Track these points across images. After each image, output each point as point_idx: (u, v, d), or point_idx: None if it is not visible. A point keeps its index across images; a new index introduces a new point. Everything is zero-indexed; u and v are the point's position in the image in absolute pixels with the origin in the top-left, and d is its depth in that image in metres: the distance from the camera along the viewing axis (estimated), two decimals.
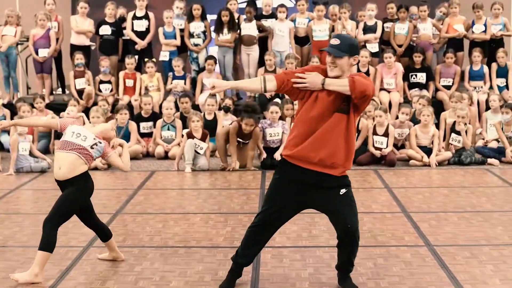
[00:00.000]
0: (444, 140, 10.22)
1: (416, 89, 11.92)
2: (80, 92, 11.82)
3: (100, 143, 5.31)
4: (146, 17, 12.32)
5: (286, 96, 10.60)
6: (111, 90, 12.10)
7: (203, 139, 9.67)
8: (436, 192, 8.09)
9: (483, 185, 8.57)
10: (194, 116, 9.76)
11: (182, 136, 10.45)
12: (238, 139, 9.60)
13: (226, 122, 10.64)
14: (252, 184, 8.67)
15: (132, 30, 12.28)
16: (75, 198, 5.23)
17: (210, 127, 10.21)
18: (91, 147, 5.26)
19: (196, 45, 12.15)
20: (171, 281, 5.17)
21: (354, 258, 4.94)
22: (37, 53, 12.09)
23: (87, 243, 6.12)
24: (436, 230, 6.47)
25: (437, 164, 9.68)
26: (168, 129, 10.61)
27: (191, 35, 12.16)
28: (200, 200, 7.80)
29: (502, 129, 10.13)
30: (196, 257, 5.71)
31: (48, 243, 5.09)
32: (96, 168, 9.52)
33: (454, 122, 10.02)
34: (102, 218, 6.85)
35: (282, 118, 10.08)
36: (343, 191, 4.73)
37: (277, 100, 10.52)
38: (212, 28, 12.35)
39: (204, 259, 5.67)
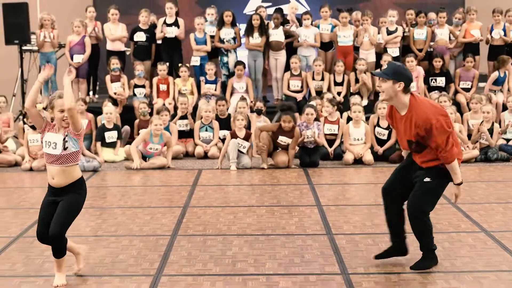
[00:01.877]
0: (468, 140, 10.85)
1: (436, 91, 12.53)
2: None
3: (67, 135, 5.13)
4: (176, 23, 12.82)
5: (326, 96, 11.22)
6: (145, 94, 12.60)
7: (246, 138, 10.21)
8: (474, 186, 8.67)
9: None
10: (239, 115, 10.34)
11: (220, 138, 11.04)
12: (280, 140, 10.11)
13: (259, 124, 11.18)
14: (299, 180, 9.21)
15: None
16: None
17: None
18: (64, 149, 5.09)
19: (226, 50, 12.67)
20: (265, 263, 5.70)
21: (420, 241, 5.55)
22: (72, 59, 12.59)
23: (172, 231, 6.65)
24: (487, 218, 7.06)
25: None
26: (206, 130, 11.14)
27: (221, 41, 12.68)
28: (258, 195, 8.33)
29: None
30: (277, 243, 6.25)
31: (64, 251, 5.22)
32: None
33: (482, 122, 10.63)
34: (173, 211, 7.45)
35: (317, 118, 10.62)
36: (427, 179, 5.41)
37: (312, 102, 11.06)
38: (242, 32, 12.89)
39: (286, 244, 6.21)
